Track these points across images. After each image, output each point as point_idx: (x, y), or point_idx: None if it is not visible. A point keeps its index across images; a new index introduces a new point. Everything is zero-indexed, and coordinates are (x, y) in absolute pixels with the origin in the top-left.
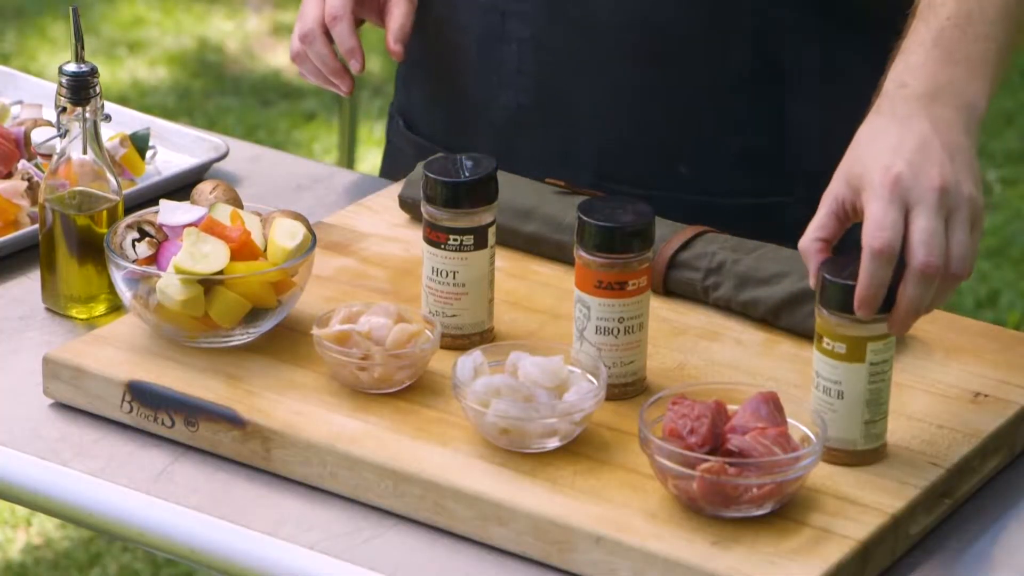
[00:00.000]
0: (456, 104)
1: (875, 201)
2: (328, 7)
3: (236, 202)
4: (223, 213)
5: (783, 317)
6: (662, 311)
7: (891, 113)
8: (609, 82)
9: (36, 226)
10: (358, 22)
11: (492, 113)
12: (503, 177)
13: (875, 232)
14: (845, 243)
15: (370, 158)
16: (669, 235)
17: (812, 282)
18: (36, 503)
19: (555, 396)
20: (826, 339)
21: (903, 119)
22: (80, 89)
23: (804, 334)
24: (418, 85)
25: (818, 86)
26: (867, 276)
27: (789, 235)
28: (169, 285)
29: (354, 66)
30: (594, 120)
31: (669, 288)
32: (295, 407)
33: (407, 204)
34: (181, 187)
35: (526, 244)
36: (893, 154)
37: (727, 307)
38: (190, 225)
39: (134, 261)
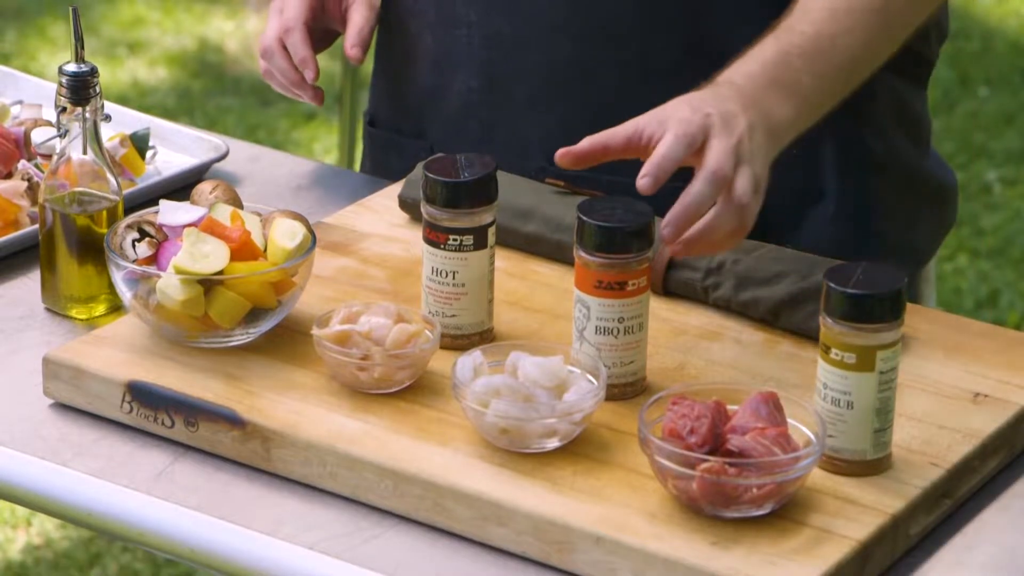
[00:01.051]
0: (412, 92)
1: (679, 125)
2: (282, 20)
3: (236, 202)
4: (223, 213)
5: (783, 317)
6: (662, 311)
7: (712, 92)
8: (550, 63)
9: (36, 226)
10: (319, 31)
11: (446, 99)
12: (503, 177)
13: (681, 133)
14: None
15: None
16: None
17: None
18: (36, 503)
19: (555, 396)
20: (834, 350)
21: (720, 97)
22: (80, 89)
23: (804, 334)
24: (381, 79)
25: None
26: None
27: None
28: (169, 285)
29: (308, 75)
30: (538, 103)
31: (669, 288)
32: (295, 407)
33: (407, 204)
34: (181, 187)
35: (526, 244)
36: (704, 105)
37: (727, 307)
38: (190, 225)
39: (134, 261)
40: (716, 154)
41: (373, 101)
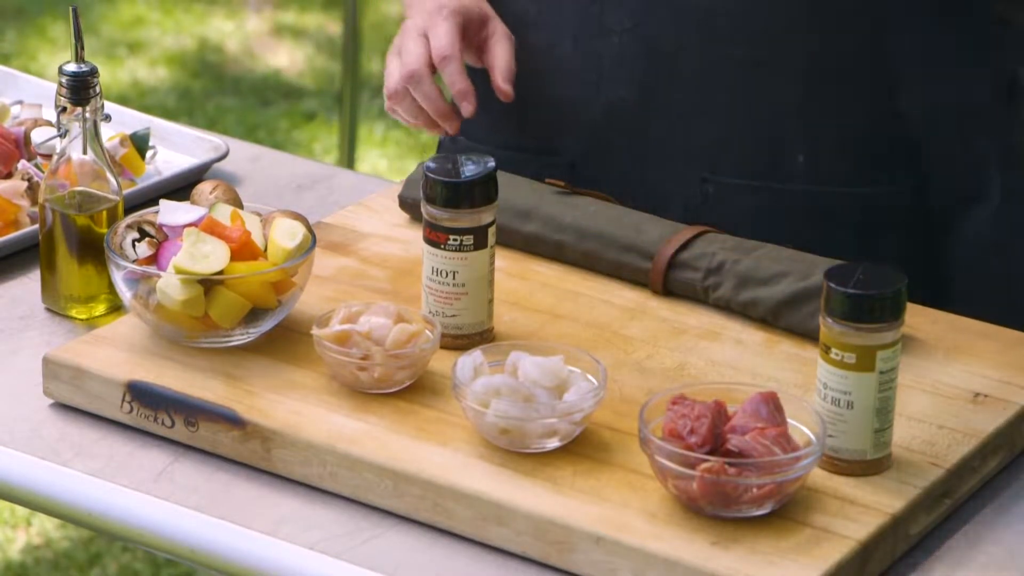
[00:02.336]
0: (541, 105)
1: None
2: (436, 47)
3: (236, 202)
4: (223, 213)
5: (783, 317)
6: (662, 311)
7: None
8: (716, 70)
9: (36, 226)
10: None
11: (587, 111)
12: (503, 177)
13: None
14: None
15: (370, 158)
16: (669, 235)
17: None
18: (36, 503)
19: (555, 396)
20: (834, 350)
21: None
22: (80, 89)
23: (805, 334)
24: (487, 93)
25: (920, 71)
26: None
27: (900, 222)
28: (169, 285)
29: (466, 108)
30: (702, 110)
31: (669, 288)
32: (295, 407)
33: (407, 204)
34: (181, 187)
35: (525, 244)
36: None
37: (727, 307)
38: (190, 225)
39: (134, 261)
40: None
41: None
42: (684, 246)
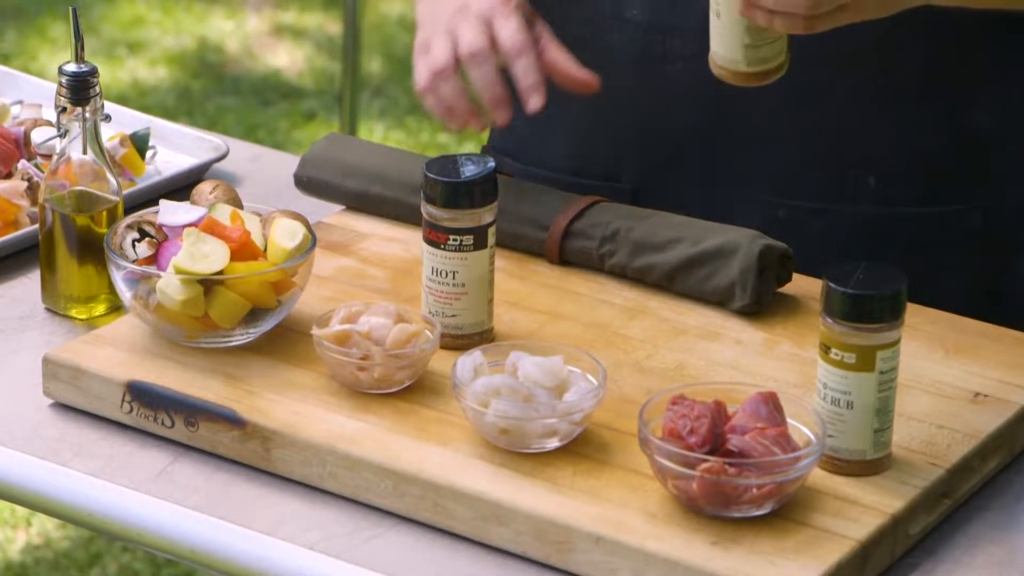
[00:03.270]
0: (603, 130)
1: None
2: (508, 39)
3: (236, 202)
4: (223, 213)
5: (678, 281)
6: (662, 311)
7: None
8: (782, 94)
9: (36, 226)
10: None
11: (653, 138)
12: (381, 148)
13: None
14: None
15: None
16: (562, 206)
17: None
18: (36, 503)
19: (555, 396)
20: (834, 350)
21: None
22: (80, 89)
23: (699, 297)
24: (542, 123)
25: (988, 87)
26: None
27: (970, 243)
28: (169, 285)
29: (536, 102)
30: (769, 134)
31: (565, 258)
32: (295, 407)
33: (302, 183)
34: (181, 187)
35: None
36: None
37: (623, 274)
38: (190, 225)
39: (134, 261)
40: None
41: (514, 143)
42: (578, 215)
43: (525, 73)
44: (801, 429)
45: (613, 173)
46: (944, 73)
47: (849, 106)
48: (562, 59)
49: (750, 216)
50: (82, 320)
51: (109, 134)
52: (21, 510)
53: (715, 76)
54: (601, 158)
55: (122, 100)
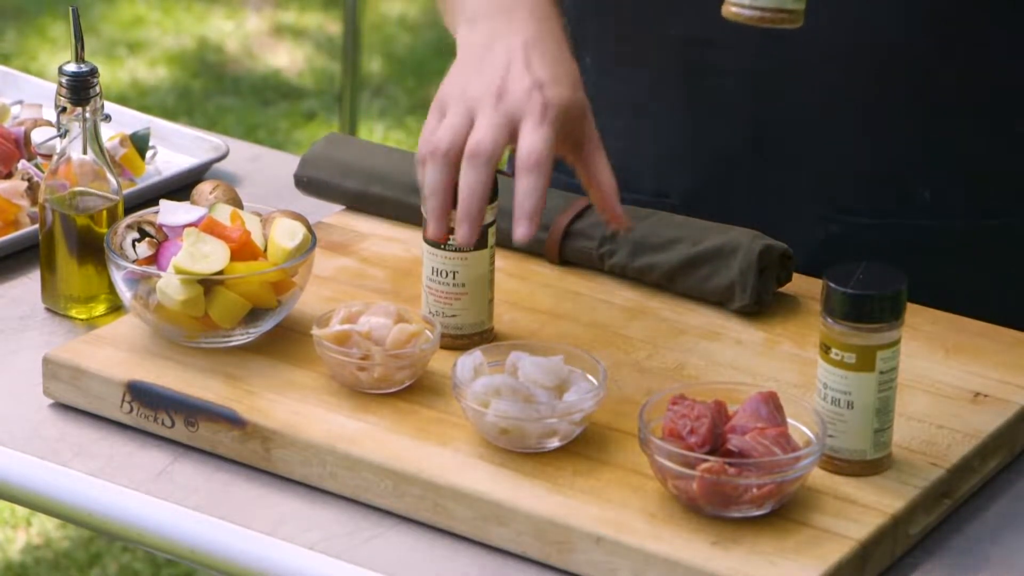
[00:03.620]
0: (645, 145)
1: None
2: (532, 150)
3: (236, 202)
4: (223, 213)
5: (678, 281)
6: (662, 311)
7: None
8: (836, 105)
9: (36, 226)
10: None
11: (698, 151)
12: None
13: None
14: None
15: None
16: (563, 206)
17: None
18: (36, 503)
19: (555, 396)
20: (834, 350)
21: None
22: (80, 89)
23: (700, 298)
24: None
25: None
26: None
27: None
28: (169, 285)
29: (529, 229)
30: (820, 149)
31: (565, 258)
32: (295, 407)
33: (302, 183)
34: (181, 187)
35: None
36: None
37: (623, 274)
38: (190, 225)
39: (134, 261)
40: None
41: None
42: (578, 215)
43: (527, 194)
44: (801, 429)
45: (661, 188)
46: (994, 82)
47: (899, 120)
48: (607, 182)
49: (805, 232)
50: (82, 320)
51: (109, 134)
52: (21, 510)
53: (729, 20)
54: (647, 173)
55: (122, 100)
